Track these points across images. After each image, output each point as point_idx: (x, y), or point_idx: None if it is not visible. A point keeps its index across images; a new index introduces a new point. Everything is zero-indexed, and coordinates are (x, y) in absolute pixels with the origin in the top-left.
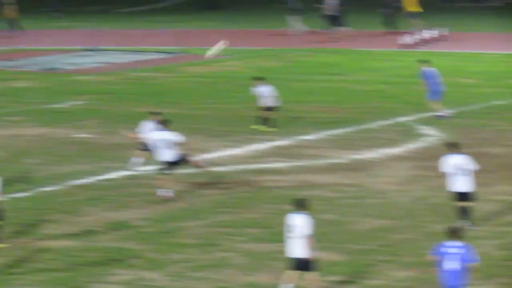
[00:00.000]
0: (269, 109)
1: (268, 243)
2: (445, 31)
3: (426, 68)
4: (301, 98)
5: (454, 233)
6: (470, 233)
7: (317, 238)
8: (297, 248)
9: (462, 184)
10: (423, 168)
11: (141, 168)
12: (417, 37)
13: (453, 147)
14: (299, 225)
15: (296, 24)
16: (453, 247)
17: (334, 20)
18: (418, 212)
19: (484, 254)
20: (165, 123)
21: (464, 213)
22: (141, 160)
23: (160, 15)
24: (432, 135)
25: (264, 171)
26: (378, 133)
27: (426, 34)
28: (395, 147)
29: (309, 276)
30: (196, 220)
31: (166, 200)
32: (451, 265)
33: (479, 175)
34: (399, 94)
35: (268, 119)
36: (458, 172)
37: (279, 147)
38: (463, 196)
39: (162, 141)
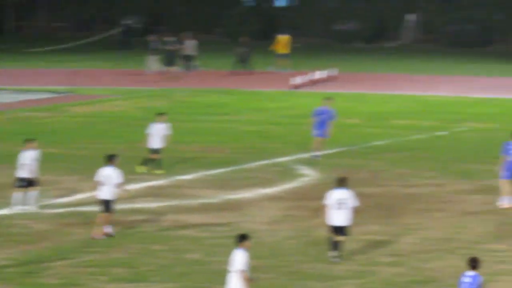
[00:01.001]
0: (154, 151)
1: (130, 282)
2: (335, 72)
3: (323, 107)
4: (185, 138)
5: None
6: (332, 273)
7: (181, 278)
8: (233, 282)
9: (339, 218)
10: (296, 208)
11: (20, 206)
12: (306, 78)
13: (340, 181)
14: (236, 260)
15: (153, 64)
16: None
17: (187, 60)
18: (285, 251)
19: None
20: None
21: (335, 246)
22: (30, 195)
23: (64, 55)
24: (309, 175)
25: (136, 211)
26: (256, 173)
27: (316, 75)
28: (270, 187)
29: None
30: (63, 260)
31: (36, 239)
32: None
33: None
34: (282, 135)
35: (151, 161)
36: (339, 206)
37: (154, 187)
38: (338, 230)
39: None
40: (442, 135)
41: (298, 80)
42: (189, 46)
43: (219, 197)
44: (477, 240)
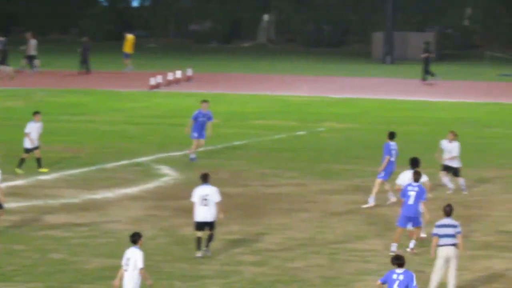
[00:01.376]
0: (29, 150)
1: None
2: (191, 72)
3: (202, 109)
4: (44, 138)
5: None
6: (196, 272)
7: (46, 277)
8: (131, 280)
9: (204, 214)
10: (157, 207)
11: None
12: (163, 78)
13: (203, 178)
14: (137, 258)
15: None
16: None
17: (30, 59)
18: (148, 251)
19: None
20: None
21: (199, 243)
22: None
23: None
24: (169, 175)
25: None
26: (116, 173)
27: (173, 75)
28: (131, 187)
29: None
30: None
31: None
32: None
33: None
34: (141, 135)
35: (24, 160)
36: (203, 202)
37: (15, 187)
38: (204, 226)
39: None
40: (302, 135)
41: (155, 80)
42: (32, 45)
43: (81, 197)
44: (341, 240)
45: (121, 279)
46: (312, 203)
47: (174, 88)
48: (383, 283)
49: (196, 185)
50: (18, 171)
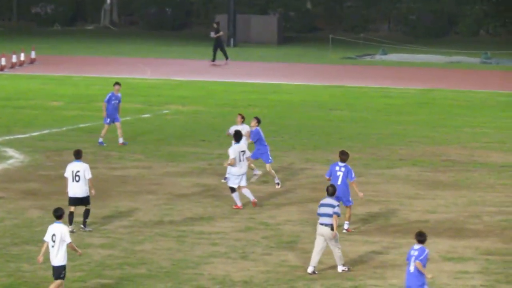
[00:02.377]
0: None
1: None
2: (33, 55)
3: (113, 92)
4: None
5: None
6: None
7: None
8: (57, 254)
9: (76, 189)
10: (3, 190)
11: None
12: (6, 60)
13: (76, 154)
14: (63, 232)
15: None
16: None
17: None
18: None
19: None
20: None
21: (71, 218)
22: None
23: None
24: (15, 158)
25: None
26: None
27: (15, 57)
28: None
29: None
30: None
31: None
32: None
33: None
34: None
35: None
36: (75, 178)
37: None
38: (76, 201)
39: None
40: (146, 118)
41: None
42: None
43: None
44: (188, 223)
45: (44, 255)
46: (158, 185)
47: (18, 71)
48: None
49: (42, 167)
50: None
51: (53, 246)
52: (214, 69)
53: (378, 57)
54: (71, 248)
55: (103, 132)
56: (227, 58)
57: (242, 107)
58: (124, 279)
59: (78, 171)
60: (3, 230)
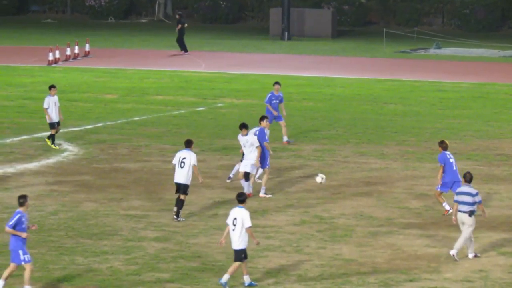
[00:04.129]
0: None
1: None
2: (88, 48)
3: (272, 92)
4: None
5: None
6: (97, 248)
7: None
8: (238, 238)
9: (180, 175)
10: (57, 183)
11: None
12: (61, 53)
13: (186, 143)
14: (239, 217)
15: None
16: None
17: None
18: (49, 227)
19: (111, 269)
20: None
21: (178, 202)
22: None
23: None
24: (69, 150)
25: None
26: (17, 148)
27: (70, 50)
28: (31, 162)
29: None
30: None
31: None
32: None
33: (114, 191)
34: (40, 110)
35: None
36: (181, 164)
37: None
38: (179, 187)
39: None
40: (201, 111)
41: (53, 55)
42: None
43: None
44: None
45: (226, 237)
46: (212, 178)
47: (72, 64)
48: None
49: (96, 160)
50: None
51: (233, 230)
52: (268, 63)
53: (432, 51)
54: (249, 234)
55: (283, 131)
56: (181, 50)
57: (296, 100)
58: (178, 272)
59: (184, 158)
60: (58, 223)
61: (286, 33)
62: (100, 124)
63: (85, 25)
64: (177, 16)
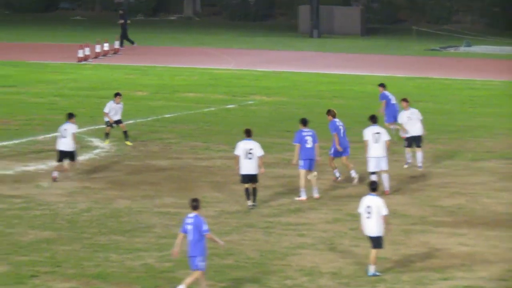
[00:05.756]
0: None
1: None
2: (116, 45)
3: (385, 92)
4: None
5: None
6: (130, 245)
7: None
8: (374, 226)
9: (248, 167)
10: (89, 180)
11: None
12: (91, 50)
13: (246, 133)
14: (374, 205)
15: None
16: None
17: None
18: (82, 223)
19: (145, 265)
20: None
21: (248, 193)
22: None
23: None
24: (100, 147)
25: None
26: (48, 145)
27: (99, 47)
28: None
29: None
30: None
31: None
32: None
33: (146, 188)
34: (71, 107)
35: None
36: (247, 156)
37: None
38: (249, 178)
39: None
40: (231, 108)
41: (83, 52)
42: None
43: (14, 169)
44: (275, 213)
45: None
46: None
47: (102, 61)
48: None
49: (128, 157)
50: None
51: (368, 218)
52: (297, 60)
53: (462, 49)
54: (384, 221)
55: (392, 127)
56: (122, 46)
57: (327, 98)
58: (212, 269)
59: (251, 149)
60: (90, 220)
61: (315, 31)
62: (131, 121)
63: (114, 23)
64: (121, 12)
